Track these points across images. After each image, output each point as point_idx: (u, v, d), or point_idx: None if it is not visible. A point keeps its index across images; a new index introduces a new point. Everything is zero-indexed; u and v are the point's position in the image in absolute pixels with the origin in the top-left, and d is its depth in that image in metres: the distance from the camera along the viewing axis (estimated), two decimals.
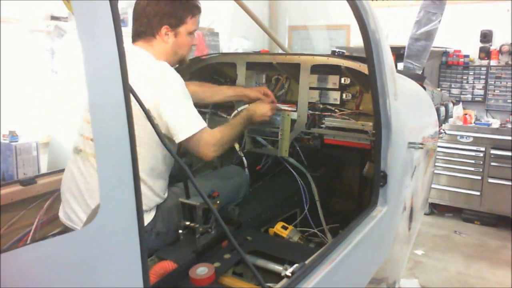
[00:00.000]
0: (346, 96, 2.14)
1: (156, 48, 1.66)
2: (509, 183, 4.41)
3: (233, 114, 2.12)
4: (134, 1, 1.71)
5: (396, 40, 3.96)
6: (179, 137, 1.54)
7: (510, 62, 4.73)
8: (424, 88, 2.63)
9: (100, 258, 0.71)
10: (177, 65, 1.79)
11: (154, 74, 1.56)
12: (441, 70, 5.13)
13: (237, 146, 2.17)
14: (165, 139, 1.07)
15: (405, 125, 1.85)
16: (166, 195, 1.66)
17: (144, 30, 1.65)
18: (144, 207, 1.49)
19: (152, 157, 1.55)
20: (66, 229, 1.71)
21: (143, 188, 1.53)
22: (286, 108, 2.12)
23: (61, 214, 1.65)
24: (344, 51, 2.22)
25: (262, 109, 1.95)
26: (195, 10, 1.72)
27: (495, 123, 4.72)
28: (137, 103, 0.96)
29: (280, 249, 1.62)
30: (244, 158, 2.13)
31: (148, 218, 1.56)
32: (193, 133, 1.55)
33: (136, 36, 1.68)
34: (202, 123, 1.59)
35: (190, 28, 1.71)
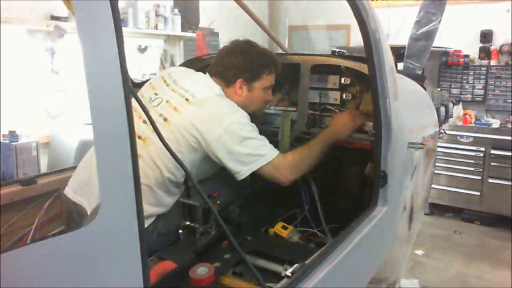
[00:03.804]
0: (346, 96, 2.14)
1: (231, 97, 1.69)
2: (509, 183, 4.41)
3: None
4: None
5: (396, 40, 3.96)
6: (255, 165, 1.57)
7: (510, 62, 4.73)
8: (424, 88, 2.63)
9: (100, 258, 0.71)
10: None
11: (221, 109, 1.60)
12: (441, 70, 5.13)
13: None
14: (169, 146, 1.06)
15: (405, 125, 1.85)
16: (173, 203, 1.64)
17: (221, 77, 1.71)
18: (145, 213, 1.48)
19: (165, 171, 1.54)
20: (66, 229, 1.71)
21: (150, 197, 1.53)
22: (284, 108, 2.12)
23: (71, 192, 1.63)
24: (344, 51, 2.21)
25: (343, 120, 1.86)
26: (272, 66, 1.77)
27: (495, 123, 4.72)
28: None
29: (280, 249, 1.62)
30: None
31: (149, 220, 1.56)
32: (258, 167, 1.57)
33: (217, 74, 1.73)
34: (274, 150, 1.61)
35: (266, 84, 1.76)
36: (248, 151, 1.56)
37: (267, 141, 1.64)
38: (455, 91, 5.06)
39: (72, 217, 1.64)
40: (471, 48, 4.92)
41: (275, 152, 1.61)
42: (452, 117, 3.53)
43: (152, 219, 1.57)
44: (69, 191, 1.63)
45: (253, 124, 1.63)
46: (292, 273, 1.17)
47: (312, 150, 1.72)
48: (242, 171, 1.57)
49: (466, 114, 4.82)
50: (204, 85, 1.68)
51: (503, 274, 3.63)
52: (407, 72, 2.76)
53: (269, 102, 2.05)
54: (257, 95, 1.76)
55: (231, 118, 1.56)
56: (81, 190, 1.58)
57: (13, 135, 3.09)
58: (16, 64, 3.13)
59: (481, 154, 4.57)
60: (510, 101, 4.77)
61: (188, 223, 1.55)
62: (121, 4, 3.68)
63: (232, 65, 1.70)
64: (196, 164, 1.59)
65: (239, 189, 1.96)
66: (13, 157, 3.04)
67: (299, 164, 1.65)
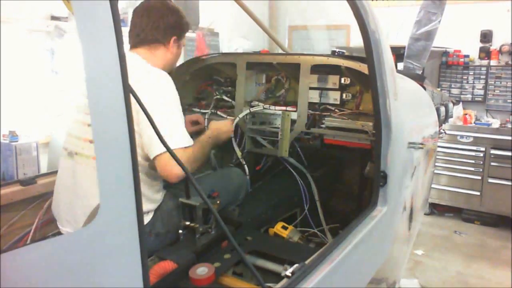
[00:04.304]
0: (346, 96, 2.14)
1: (158, 56, 1.71)
2: (509, 183, 4.41)
3: None
4: (134, 2, 1.73)
5: (396, 40, 3.96)
6: (155, 150, 1.46)
7: (510, 62, 4.73)
8: (424, 88, 2.63)
9: (100, 258, 0.71)
10: None
11: (151, 79, 1.56)
12: (441, 70, 5.13)
13: (237, 149, 2.17)
14: (164, 140, 1.07)
15: (405, 125, 1.85)
16: (161, 198, 1.63)
17: (152, 38, 1.69)
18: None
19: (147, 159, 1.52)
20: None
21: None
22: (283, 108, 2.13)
23: (56, 214, 1.64)
24: (344, 51, 2.21)
25: (226, 126, 1.96)
26: (189, 26, 1.84)
27: (495, 123, 4.72)
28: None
29: (280, 249, 1.62)
30: (244, 163, 2.13)
31: (146, 219, 1.55)
32: (173, 148, 1.38)
33: (138, 43, 1.70)
34: (184, 140, 1.52)
35: (184, 42, 1.84)
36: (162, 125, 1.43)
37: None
38: (455, 91, 5.06)
39: None
40: (471, 48, 4.92)
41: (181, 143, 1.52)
42: (452, 117, 3.53)
43: (149, 218, 1.57)
44: (60, 226, 1.62)
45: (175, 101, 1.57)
46: (292, 273, 1.17)
47: (205, 148, 1.70)
48: (149, 147, 1.48)
49: (466, 114, 4.83)
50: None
51: (503, 274, 3.62)
52: (407, 72, 2.77)
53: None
54: (179, 51, 1.81)
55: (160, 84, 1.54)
56: (69, 219, 1.57)
57: (13, 135, 3.09)
58: (16, 64, 3.13)
59: (481, 154, 4.57)
60: (510, 101, 4.77)
61: (188, 223, 1.55)
62: (121, 4, 3.68)
63: (169, 23, 1.70)
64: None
65: (239, 189, 1.96)
66: (13, 157, 3.04)
67: (194, 160, 1.57)
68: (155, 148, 1.45)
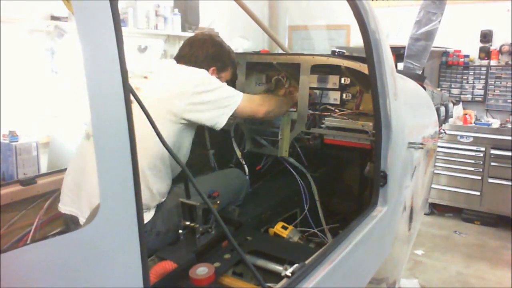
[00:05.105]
0: (346, 96, 2.14)
1: None
2: (509, 183, 4.41)
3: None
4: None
5: (396, 40, 3.96)
6: (232, 106, 1.67)
7: (510, 62, 4.73)
8: (424, 88, 2.63)
9: (100, 258, 0.71)
10: None
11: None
12: (441, 70, 5.13)
13: (237, 149, 2.17)
14: (163, 138, 1.07)
15: (405, 125, 1.85)
16: (164, 197, 1.64)
17: (190, 61, 1.78)
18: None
19: (151, 154, 1.54)
20: (66, 229, 1.71)
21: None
22: None
23: (62, 206, 1.63)
24: (344, 51, 2.21)
25: (293, 100, 2.10)
26: (235, 63, 1.97)
27: (495, 123, 4.72)
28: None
29: (280, 249, 1.62)
30: (244, 164, 2.13)
31: (147, 217, 1.55)
32: (237, 105, 1.68)
33: (188, 64, 1.78)
34: (238, 93, 1.71)
35: (227, 77, 1.92)
36: (220, 96, 1.66)
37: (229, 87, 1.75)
38: (455, 91, 5.06)
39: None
40: (471, 48, 4.92)
41: (241, 93, 1.74)
42: (452, 117, 3.53)
43: (151, 216, 1.56)
44: (61, 206, 1.63)
45: (214, 77, 1.74)
46: (292, 273, 1.17)
47: (277, 99, 1.97)
48: (222, 116, 1.65)
49: (466, 114, 4.82)
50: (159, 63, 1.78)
51: (503, 274, 3.63)
52: (407, 72, 2.76)
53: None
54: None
55: (194, 80, 1.64)
56: (73, 198, 1.57)
57: (13, 135, 3.08)
58: (16, 64, 3.12)
59: (481, 154, 4.57)
60: (510, 101, 4.77)
61: (188, 223, 1.55)
62: (121, 4, 3.68)
63: (207, 54, 1.81)
64: (172, 136, 1.60)
65: (239, 189, 1.96)
66: (13, 157, 3.04)
67: (266, 101, 1.84)
68: (231, 105, 1.67)
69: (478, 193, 4.60)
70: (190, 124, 1.64)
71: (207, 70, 1.76)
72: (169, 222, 1.61)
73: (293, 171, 2.15)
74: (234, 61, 1.95)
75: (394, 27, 4.36)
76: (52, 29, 3.29)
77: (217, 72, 1.84)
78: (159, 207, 1.61)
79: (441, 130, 2.83)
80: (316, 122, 2.09)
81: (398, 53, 3.08)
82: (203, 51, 1.81)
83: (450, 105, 3.18)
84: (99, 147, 0.71)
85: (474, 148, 4.60)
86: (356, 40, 4.79)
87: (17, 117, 3.17)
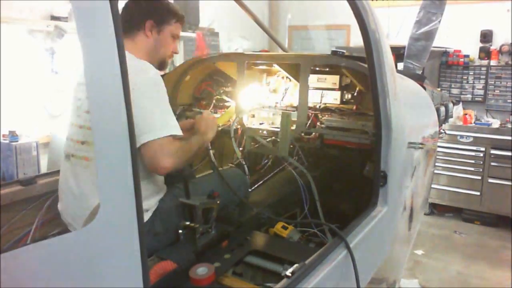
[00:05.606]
0: (346, 96, 2.14)
1: (138, 44, 1.65)
2: (509, 183, 4.41)
3: None
4: None
5: (396, 40, 3.96)
6: (143, 138, 1.37)
7: (510, 62, 4.73)
8: (424, 88, 2.63)
9: (100, 258, 0.71)
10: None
11: (134, 70, 1.53)
12: (441, 70, 5.13)
13: (237, 149, 2.17)
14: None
15: (405, 125, 1.85)
16: (155, 201, 1.59)
17: (128, 27, 1.65)
18: None
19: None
20: (66, 229, 1.71)
21: None
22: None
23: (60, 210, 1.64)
24: (344, 51, 2.21)
25: (212, 122, 1.77)
26: (180, 17, 1.74)
27: (495, 123, 4.72)
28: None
29: (280, 249, 1.62)
30: (245, 163, 2.13)
31: (144, 218, 1.55)
32: (159, 137, 1.38)
33: (124, 36, 1.66)
34: (174, 129, 1.45)
35: (174, 31, 1.71)
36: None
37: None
38: (455, 91, 5.06)
39: None
40: (471, 48, 4.92)
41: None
42: (452, 117, 3.53)
43: (149, 214, 1.56)
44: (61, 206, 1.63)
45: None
46: (292, 273, 1.17)
47: (195, 146, 1.59)
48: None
49: (466, 114, 4.82)
50: None
51: (503, 274, 3.62)
52: (407, 72, 2.77)
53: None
54: (167, 40, 1.70)
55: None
56: (69, 221, 1.58)
57: (13, 135, 3.08)
58: (16, 64, 3.12)
59: (481, 154, 4.57)
60: (510, 101, 4.77)
61: (188, 223, 1.55)
62: (121, 4, 3.68)
63: (141, 9, 1.66)
64: None
65: (239, 189, 1.96)
66: (13, 157, 3.03)
67: (183, 155, 1.48)
68: (143, 135, 1.36)
69: (478, 193, 4.60)
70: None
71: (144, 26, 1.64)
72: (168, 222, 1.60)
73: (293, 171, 2.15)
74: (177, 13, 1.72)
75: (394, 27, 4.36)
76: (52, 29, 3.29)
77: (156, 25, 1.66)
78: (157, 208, 1.60)
79: (441, 130, 2.83)
80: (316, 122, 2.09)
81: (398, 53, 3.07)
82: (135, 6, 1.66)
83: (450, 105, 3.18)
84: (99, 147, 0.72)
85: (474, 148, 4.60)
86: (356, 40, 4.79)
87: (17, 117, 3.17)
